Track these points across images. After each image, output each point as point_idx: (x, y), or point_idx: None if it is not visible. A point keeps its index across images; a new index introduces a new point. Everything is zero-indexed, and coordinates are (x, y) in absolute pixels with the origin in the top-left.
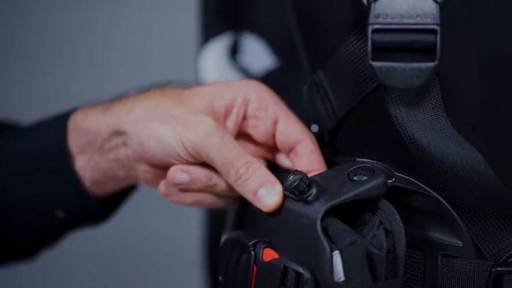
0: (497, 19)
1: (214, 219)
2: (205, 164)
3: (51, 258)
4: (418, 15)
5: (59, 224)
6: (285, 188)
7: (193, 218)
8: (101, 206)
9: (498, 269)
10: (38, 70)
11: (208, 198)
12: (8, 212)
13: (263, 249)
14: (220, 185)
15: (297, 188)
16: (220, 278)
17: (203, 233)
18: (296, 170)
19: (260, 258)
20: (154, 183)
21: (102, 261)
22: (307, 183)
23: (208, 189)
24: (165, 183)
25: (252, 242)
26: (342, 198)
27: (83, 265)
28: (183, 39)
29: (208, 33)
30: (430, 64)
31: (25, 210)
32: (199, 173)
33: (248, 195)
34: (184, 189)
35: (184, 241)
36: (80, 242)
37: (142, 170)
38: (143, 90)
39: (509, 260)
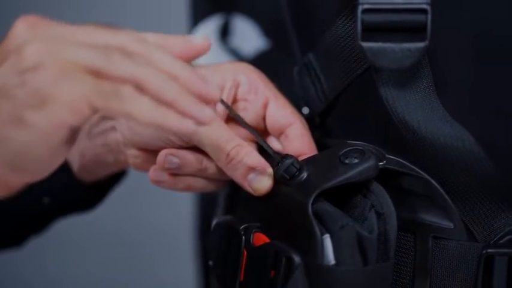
0: None
1: (206, 204)
2: (195, 148)
3: (41, 244)
4: None
5: (47, 211)
6: (275, 172)
7: (185, 202)
8: (90, 192)
9: (489, 250)
10: None
11: (199, 183)
12: None
13: (254, 233)
14: (211, 168)
15: (287, 172)
16: (210, 263)
17: (195, 217)
18: (287, 154)
19: (251, 242)
20: (144, 168)
21: (94, 248)
22: (298, 167)
23: (199, 173)
24: (155, 169)
25: (242, 227)
26: (333, 182)
27: (74, 251)
28: (173, 21)
29: (198, 15)
30: (421, 44)
31: (13, 197)
32: (190, 156)
33: (238, 179)
34: (175, 173)
35: (176, 226)
36: (71, 227)
37: (132, 155)
38: None
39: (500, 241)
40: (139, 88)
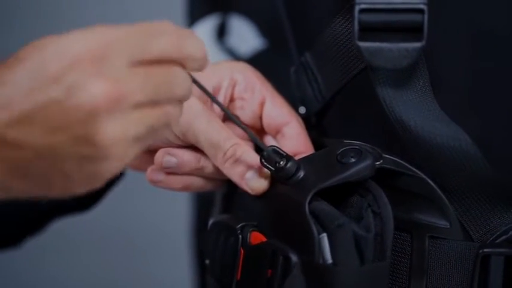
0: None
1: (203, 203)
2: (192, 147)
3: (37, 242)
4: None
5: (44, 212)
6: (272, 171)
7: (182, 201)
8: (87, 193)
9: (485, 250)
10: None
11: (197, 182)
12: None
13: (250, 232)
14: (209, 167)
15: (284, 171)
16: (207, 262)
17: (191, 217)
18: (286, 154)
19: (247, 241)
20: (142, 168)
21: (90, 247)
22: (295, 166)
23: (197, 172)
24: (153, 169)
25: (239, 226)
26: (330, 181)
27: (70, 251)
28: (170, 20)
29: (195, 15)
30: (418, 44)
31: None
32: (187, 155)
33: (235, 178)
34: (172, 172)
35: (172, 225)
36: (67, 227)
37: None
38: None
39: (496, 241)
40: None
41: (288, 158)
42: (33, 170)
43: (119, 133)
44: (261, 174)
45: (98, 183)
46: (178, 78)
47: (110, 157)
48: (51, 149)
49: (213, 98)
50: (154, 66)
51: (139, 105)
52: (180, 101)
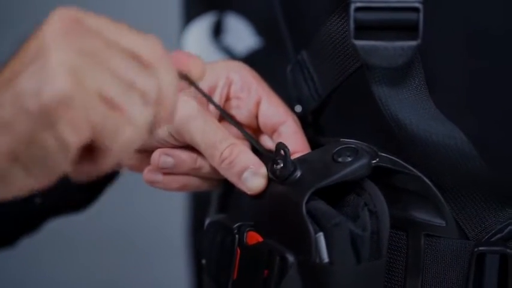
0: None
1: (199, 203)
2: (189, 147)
3: (36, 242)
4: None
5: (39, 211)
6: (269, 171)
7: (178, 201)
8: (83, 192)
9: (480, 248)
10: None
11: (194, 182)
12: None
13: (247, 232)
14: (205, 167)
15: (281, 171)
16: (203, 262)
17: (188, 216)
18: (282, 152)
19: (244, 241)
20: (139, 168)
21: (87, 248)
22: (292, 166)
23: (193, 173)
24: (149, 170)
25: (235, 225)
26: (327, 181)
27: (67, 251)
28: (166, 19)
29: (191, 13)
30: (413, 42)
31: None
32: (184, 156)
33: (232, 178)
34: (169, 172)
35: (168, 225)
36: (64, 228)
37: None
38: None
39: (492, 239)
40: None
41: (285, 159)
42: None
43: (70, 62)
44: (257, 174)
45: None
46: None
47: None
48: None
49: (209, 99)
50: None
51: (105, 57)
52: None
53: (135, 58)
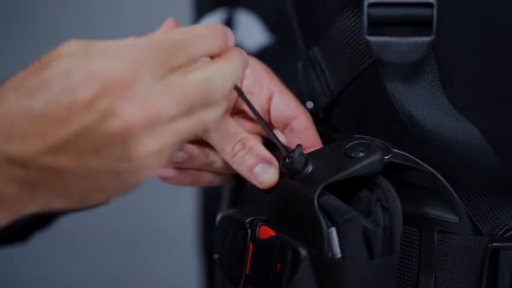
0: None
1: (209, 197)
2: (201, 142)
3: (40, 240)
4: None
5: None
6: (281, 166)
7: (188, 195)
8: None
9: (494, 244)
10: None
11: (206, 177)
12: None
13: (259, 226)
14: (217, 162)
15: (293, 165)
16: (215, 256)
17: (198, 211)
18: (295, 148)
19: (256, 236)
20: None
21: (96, 245)
22: (304, 160)
23: (205, 167)
24: None
25: (248, 220)
26: (339, 175)
27: (75, 248)
28: (177, 16)
29: (202, 10)
30: (427, 38)
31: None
32: (196, 150)
33: (244, 173)
34: (181, 168)
35: (179, 219)
36: (71, 224)
37: None
38: None
39: (506, 235)
40: None
41: (297, 154)
42: (73, 189)
43: (154, 148)
44: (269, 168)
45: (133, 190)
46: (214, 83)
47: (146, 168)
48: (88, 171)
49: (245, 99)
50: (188, 74)
51: (174, 119)
52: (218, 102)
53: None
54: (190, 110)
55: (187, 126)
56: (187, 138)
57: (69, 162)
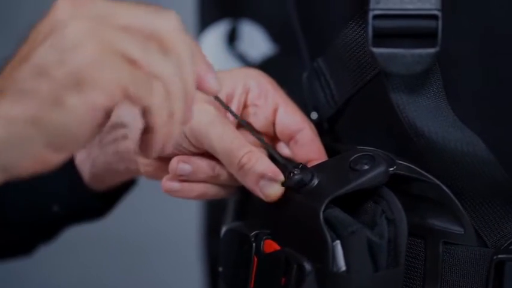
0: (497, 2)
1: (213, 209)
2: (207, 154)
3: (45, 248)
4: (418, 0)
5: (56, 219)
6: (286, 179)
7: (192, 207)
8: (100, 200)
9: (499, 256)
10: None
11: (212, 190)
12: (4, 206)
13: (264, 240)
14: (223, 175)
15: (299, 181)
16: (220, 269)
17: (201, 222)
18: (299, 163)
19: (261, 249)
20: (156, 176)
21: (104, 251)
22: (310, 176)
23: (211, 180)
24: (167, 179)
25: (253, 233)
26: (344, 189)
27: (79, 256)
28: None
29: (206, 20)
30: (431, 50)
31: (22, 205)
32: (202, 163)
33: (250, 185)
34: (187, 181)
35: (182, 231)
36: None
37: (144, 163)
38: None
39: (511, 247)
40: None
41: (302, 167)
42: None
43: (85, 32)
44: (275, 181)
45: (87, 88)
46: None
47: (79, 47)
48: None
49: (230, 110)
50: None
51: (112, 29)
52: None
53: (152, 39)
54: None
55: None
56: (141, 55)
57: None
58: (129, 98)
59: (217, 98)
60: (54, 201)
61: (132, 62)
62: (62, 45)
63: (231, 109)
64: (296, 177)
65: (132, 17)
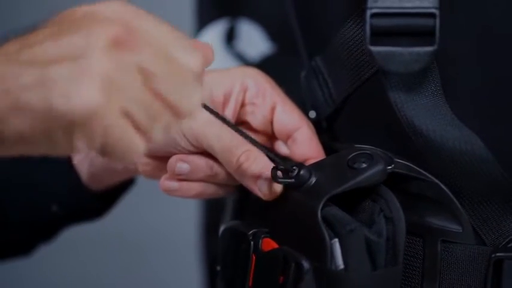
0: (495, 1)
1: (211, 208)
2: (205, 153)
3: (44, 247)
4: None
5: (55, 219)
6: (284, 177)
7: (190, 206)
8: (98, 200)
9: (498, 254)
10: None
11: (210, 189)
12: (4, 207)
13: (262, 239)
14: (221, 174)
15: (297, 179)
16: (218, 268)
17: (200, 221)
18: (297, 162)
19: (259, 248)
20: (154, 175)
21: (103, 250)
22: (308, 175)
23: (209, 179)
24: (166, 178)
25: (251, 232)
26: (342, 187)
27: (78, 255)
28: (179, 25)
29: (204, 19)
30: (429, 48)
31: (21, 205)
32: (200, 162)
33: (248, 184)
34: (185, 180)
35: (181, 230)
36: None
37: (142, 162)
38: None
39: (509, 245)
40: None
41: (300, 166)
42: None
43: (109, 69)
44: (273, 179)
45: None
46: (192, 87)
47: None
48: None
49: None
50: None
51: (145, 73)
52: (181, 113)
53: (177, 74)
54: (165, 86)
55: (152, 101)
56: (145, 119)
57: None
58: (105, 146)
59: (205, 106)
60: (53, 201)
61: (130, 121)
62: (78, 78)
63: (222, 116)
64: (294, 175)
65: (164, 84)
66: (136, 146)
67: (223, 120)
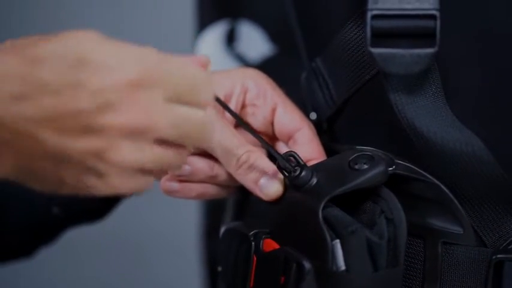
0: (495, 2)
1: (212, 209)
2: (206, 154)
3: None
4: (417, 0)
5: (57, 221)
6: (285, 178)
7: (191, 207)
8: (100, 202)
9: (498, 256)
10: None
11: (211, 190)
12: (5, 210)
13: (263, 239)
14: (222, 175)
15: (298, 178)
16: (219, 269)
17: (201, 222)
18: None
19: (260, 248)
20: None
21: (103, 251)
22: (309, 176)
23: (210, 180)
24: (166, 179)
25: (252, 233)
26: (343, 188)
27: (78, 256)
28: (180, 27)
29: (204, 21)
30: (430, 50)
31: (22, 207)
32: (201, 163)
33: (249, 185)
34: (186, 181)
35: (182, 231)
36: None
37: None
38: None
39: (510, 247)
40: None
41: (302, 165)
42: (40, 164)
43: (130, 160)
44: (274, 180)
45: (82, 193)
46: (207, 128)
47: (111, 178)
48: (62, 152)
49: (230, 111)
50: (192, 111)
51: (161, 141)
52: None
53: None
54: (179, 141)
55: (168, 155)
56: (159, 170)
57: (49, 136)
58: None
59: (218, 99)
60: (55, 203)
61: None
62: (101, 165)
63: (231, 109)
64: (295, 176)
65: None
66: (145, 186)
67: (231, 112)
